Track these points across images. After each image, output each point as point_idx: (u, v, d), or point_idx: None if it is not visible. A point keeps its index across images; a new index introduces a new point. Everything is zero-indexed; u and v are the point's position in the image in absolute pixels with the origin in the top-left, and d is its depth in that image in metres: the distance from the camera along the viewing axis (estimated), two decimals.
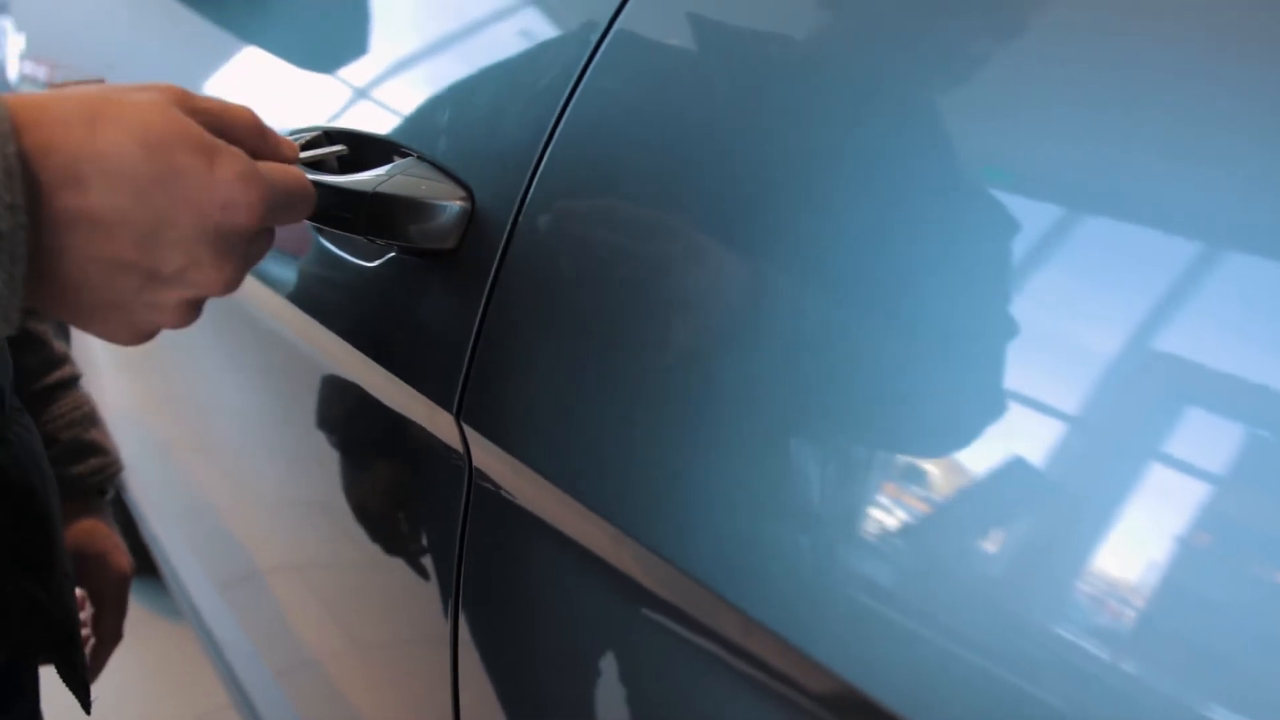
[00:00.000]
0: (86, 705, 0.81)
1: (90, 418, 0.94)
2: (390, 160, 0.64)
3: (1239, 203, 0.35)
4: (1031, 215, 0.38)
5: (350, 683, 0.96)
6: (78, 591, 0.94)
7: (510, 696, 0.66)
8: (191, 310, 0.49)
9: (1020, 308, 0.38)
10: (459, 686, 0.72)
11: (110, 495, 0.97)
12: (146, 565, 2.02)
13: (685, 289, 0.48)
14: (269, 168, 0.49)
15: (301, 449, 0.92)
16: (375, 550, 0.80)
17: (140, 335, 0.50)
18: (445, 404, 0.60)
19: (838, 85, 0.45)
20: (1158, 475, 0.34)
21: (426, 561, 0.73)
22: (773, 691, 0.45)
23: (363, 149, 0.69)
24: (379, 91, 0.73)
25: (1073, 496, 0.36)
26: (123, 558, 0.95)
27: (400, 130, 0.67)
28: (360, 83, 0.75)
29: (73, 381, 0.94)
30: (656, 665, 0.52)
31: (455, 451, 0.63)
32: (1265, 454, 0.32)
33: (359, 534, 0.82)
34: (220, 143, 0.46)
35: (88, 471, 0.92)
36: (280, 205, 0.49)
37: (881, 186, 0.42)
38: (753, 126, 0.47)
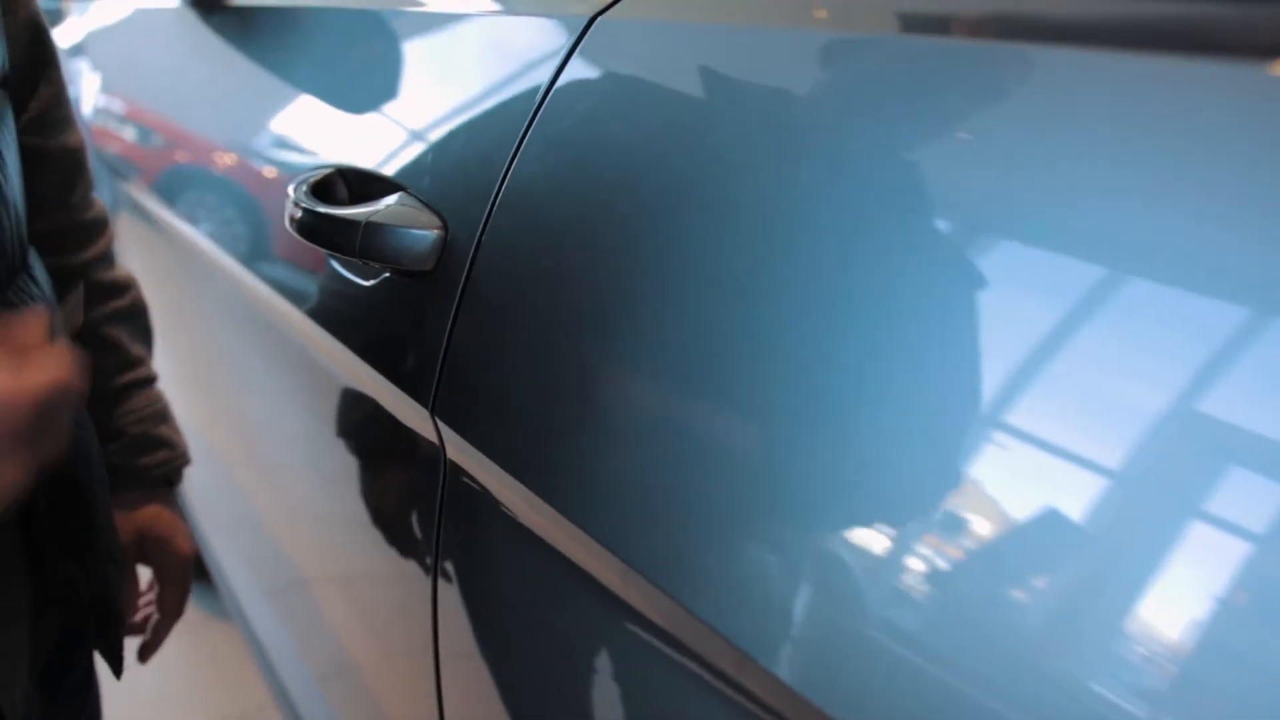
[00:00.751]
0: (118, 671, 0.91)
1: (161, 414, 1.02)
2: (389, 195, 0.74)
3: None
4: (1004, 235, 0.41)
5: (384, 687, 1.02)
6: (145, 571, 1.04)
7: (491, 698, 0.72)
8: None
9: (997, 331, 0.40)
10: (442, 690, 0.80)
11: (177, 485, 1.04)
12: (199, 570, 2.13)
13: (624, 301, 0.55)
14: (29, 366, 0.53)
15: (324, 459, 1.01)
16: (381, 555, 0.88)
17: None
18: (423, 401, 0.70)
19: (774, 105, 0.53)
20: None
21: (417, 562, 0.81)
22: (743, 707, 0.48)
23: (370, 184, 0.79)
24: (384, 135, 0.83)
25: (1058, 528, 0.37)
26: (185, 541, 1.03)
27: (397, 169, 0.78)
28: (370, 127, 0.86)
29: (147, 382, 1.02)
30: (627, 667, 0.57)
31: (433, 445, 0.73)
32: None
33: (370, 540, 0.90)
34: None
35: (154, 463, 1.00)
36: (48, 400, 0.53)
37: (847, 198, 0.47)
38: (678, 155, 0.55)
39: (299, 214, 0.74)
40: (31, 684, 0.78)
